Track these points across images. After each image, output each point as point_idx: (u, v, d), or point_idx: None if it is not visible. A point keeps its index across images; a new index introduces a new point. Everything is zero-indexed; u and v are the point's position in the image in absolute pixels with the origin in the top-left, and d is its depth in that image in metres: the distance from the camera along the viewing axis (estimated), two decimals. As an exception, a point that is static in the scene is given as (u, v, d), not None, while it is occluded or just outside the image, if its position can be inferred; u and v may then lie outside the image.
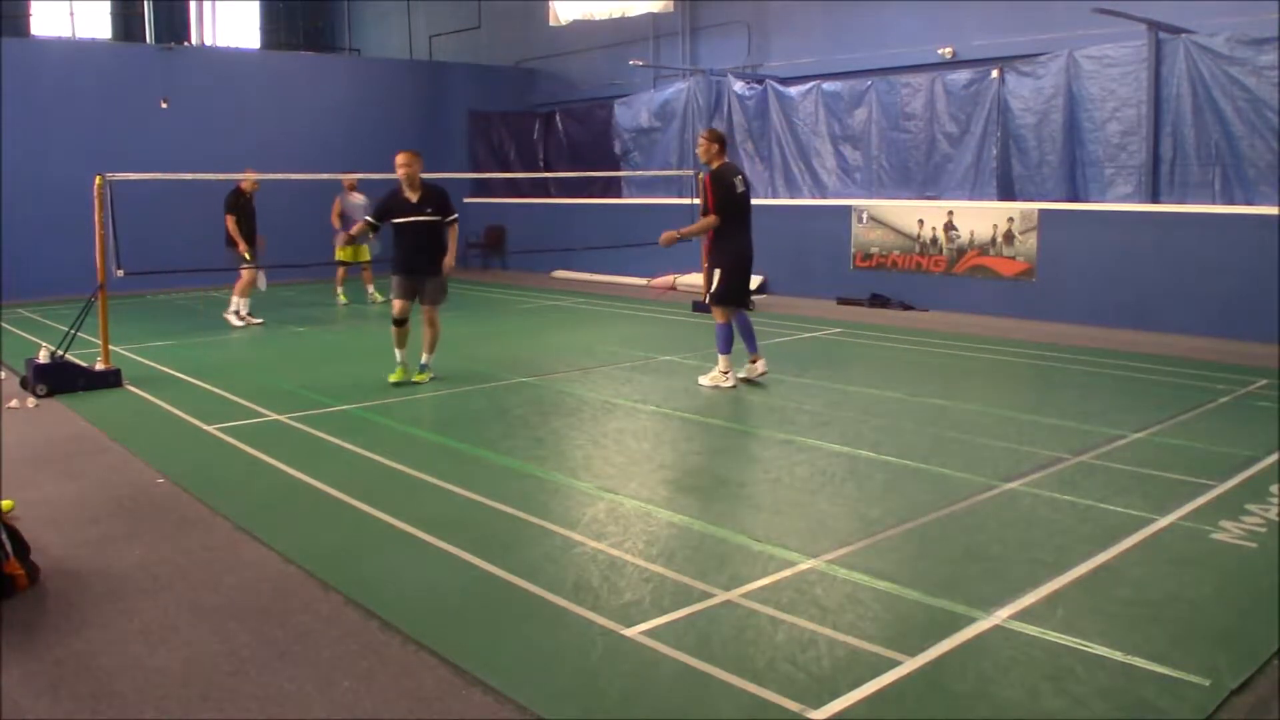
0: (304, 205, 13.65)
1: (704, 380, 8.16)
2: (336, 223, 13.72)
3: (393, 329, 8.30)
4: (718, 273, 7.99)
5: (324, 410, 7.39)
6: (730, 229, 7.97)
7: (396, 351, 8.33)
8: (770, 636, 3.66)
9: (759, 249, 8.43)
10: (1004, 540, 4.67)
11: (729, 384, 8.02)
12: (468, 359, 9.56)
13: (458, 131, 19.99)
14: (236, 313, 12.04)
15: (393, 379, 8.24)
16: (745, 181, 8.15)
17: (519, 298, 14.92)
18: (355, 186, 13.83)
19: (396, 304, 8.24)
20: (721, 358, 8.08)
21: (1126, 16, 10.99)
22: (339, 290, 14.28)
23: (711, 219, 7.93)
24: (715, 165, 7.99)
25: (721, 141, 8.10)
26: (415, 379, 8.31)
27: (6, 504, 5.04)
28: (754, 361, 8.21)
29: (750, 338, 8.21)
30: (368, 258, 14.01)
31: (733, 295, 8.03)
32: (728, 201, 7.90)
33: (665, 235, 8.29)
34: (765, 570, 4.27)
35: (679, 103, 16.66)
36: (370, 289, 14.28)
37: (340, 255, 13.81)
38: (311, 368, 9.52)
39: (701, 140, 8.15)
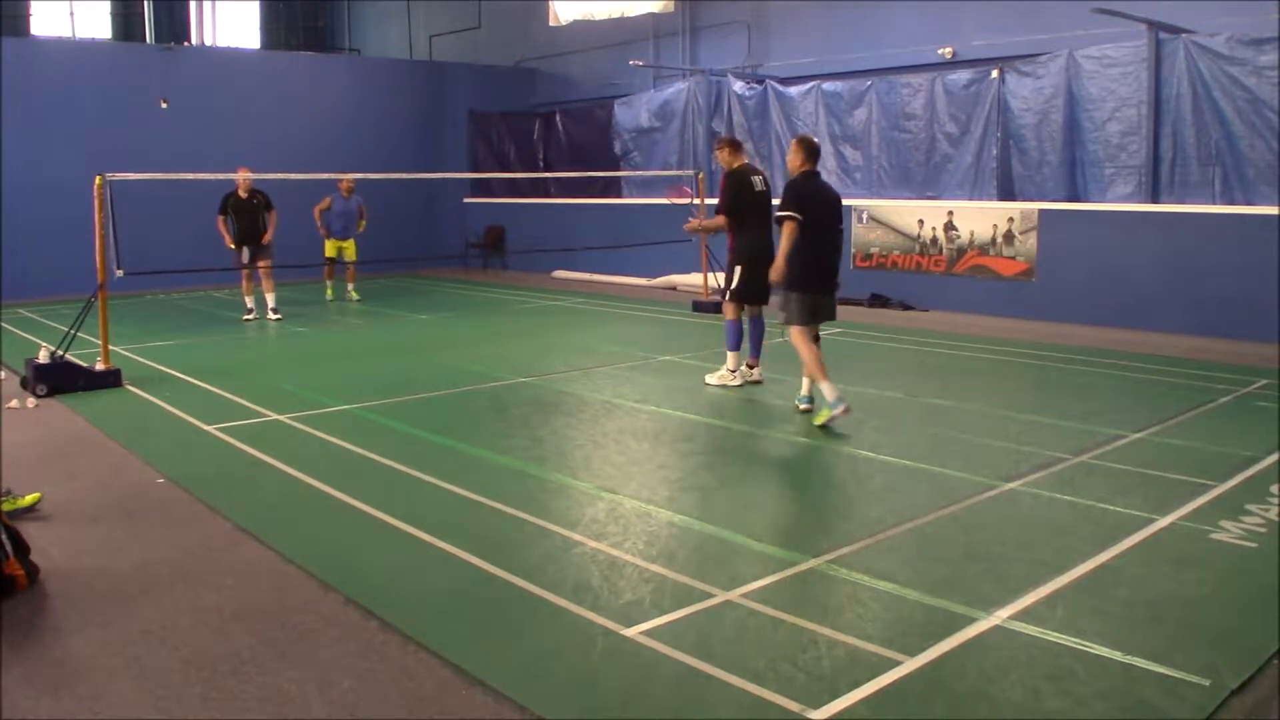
0: (304, 205, 13.65)
1: (711, 379, 8.17)
2: (318, 218, 13.78)
3: (816, 358, 6.88)
4: (738, 270, 7.98)
5: (324, 410, 7.39)
6: (749, 227, 7.98)
7: (827, 387, 6.69)
8: (770, 636, 3.66)
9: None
10: (1004, 540, 4.67)
11: (736, 382, 8.04)
12: (468, 359, 9.57)
13: (458, 131, 19.98)
14: (274, 309, 12.41)
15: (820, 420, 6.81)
16: (765, 182, 8.19)
17: (519, 298, 14.92)
18: (353, 190, 13.85)
19: (800, 329, 6.93)
20: (730, 355, 8.09)
21: (1126, 16, 10.99)
22: (328, 284, 14.38)
23: (720, 219, 8.01)
24: (734, 166, 8.10)
25: (732, 145, 8.24)
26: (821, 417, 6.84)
27: (33, 496, 5.10)
28: (751, 367, 8.22)
29: (758, 344, 8.23)
30: (353, 257, 14.07)
31: (750, 292, 8.02)
32: (741, 200, 7.93)
33: (690, 224, 8.77)
34: (765, 570, 4.27)
35: (679, 103, 16.66)
36: (350, 287, 14.40)
37: (329, 252, 13.87)
38: (311, 368, 9.52)
39: (716, 150, 8.40)
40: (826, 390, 6.67)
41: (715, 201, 8.42)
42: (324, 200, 13.78)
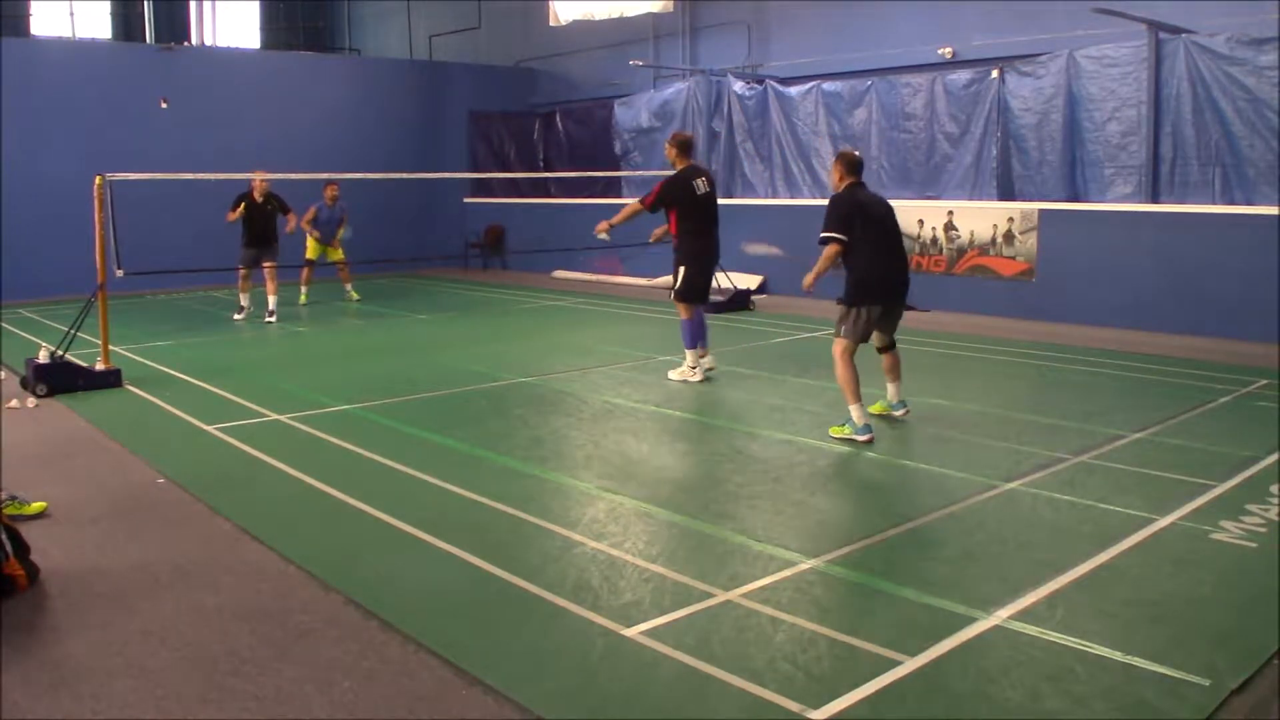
0: (302, 206, 13.63)
1: (672, 374, 8.46)
2: (307, 227, 13.61)
3: (849, 378, 6.47)
4: (681, 270, 8.34)
5: (324, 410, 7.39)
6: (694, 229, 8.31)
7: (856, 410, 6.43)
8: (770, 636, 3.66)
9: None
10: (1004, 540, 4.67)
11: (696, 378, 8.32)
12: (468, 359, 9.57)
13: (458, 131, 19.98)
14: (271, 311, 12.38)
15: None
16: (709, 184, 8.42)
17: (519, 298, 14.92)
18: (337, 198, 13.77)
19: (847, 345, 6.53)
20: (689, 352, 8.40)
21: (1126, 16, 10.99)
22: (303, 290, 14.09)
23: (634, 205, 8.37)
24: (679, 166, 8.37)
25: (681, 145, 8.44)
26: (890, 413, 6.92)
27: (39, 506, 5.09)
28: (700, 357, 8.45)
29: (702, 334, 8.49)
30: (341, 256, 14.01)
31: (695, 292, 8.41)
32: (680, 200, 8.21)
33: (599, 226, 8.63)
34: (765, 570, 4.27)
35: (679, 103, 16.64)
36: (348, 288, 14.37)
37: (311, 254, 13.79)
38: (311, 367, 9.52)
39: (666, 146, 8.67)
40: (855, 414, 6.38)
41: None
42: (309, 211, 13.66)
